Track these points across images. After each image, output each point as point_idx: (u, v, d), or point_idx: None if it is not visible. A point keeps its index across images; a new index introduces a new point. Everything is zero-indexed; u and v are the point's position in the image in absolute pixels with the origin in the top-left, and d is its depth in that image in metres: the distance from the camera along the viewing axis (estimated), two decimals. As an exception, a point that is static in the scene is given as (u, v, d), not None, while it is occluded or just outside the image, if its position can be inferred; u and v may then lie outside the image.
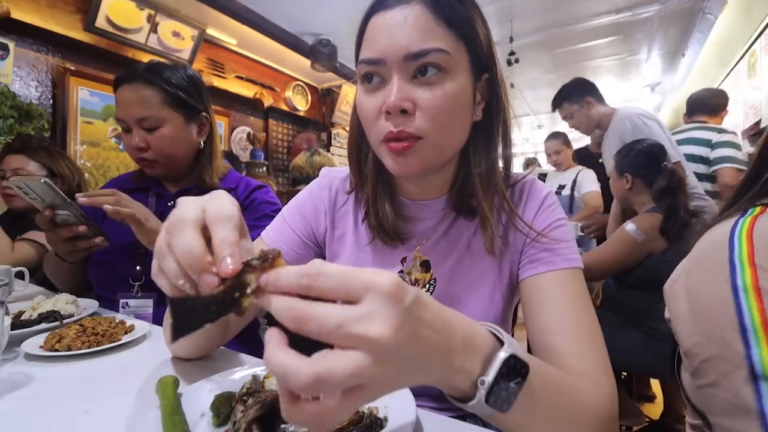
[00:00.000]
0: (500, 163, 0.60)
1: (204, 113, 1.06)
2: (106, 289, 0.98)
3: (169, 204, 1.05)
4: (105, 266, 1.01)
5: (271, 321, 0.27)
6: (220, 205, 0.32)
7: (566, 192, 2.88)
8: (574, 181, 2.87)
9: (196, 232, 0.30)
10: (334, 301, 0.26)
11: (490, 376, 0.31)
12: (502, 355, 0.32)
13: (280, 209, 0.79)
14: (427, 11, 0.49)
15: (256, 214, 1.04)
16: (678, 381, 0.55)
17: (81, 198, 0.81)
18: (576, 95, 2.22)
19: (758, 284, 0.40)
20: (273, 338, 0.26)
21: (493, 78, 0.56)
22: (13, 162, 1.53)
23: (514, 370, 0.32)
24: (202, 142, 1.07)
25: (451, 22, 0.50)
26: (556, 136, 3.04)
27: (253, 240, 0.77)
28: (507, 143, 0.59)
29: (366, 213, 0.65)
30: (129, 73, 0.98)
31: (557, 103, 2.32)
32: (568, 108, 2.27)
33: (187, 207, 0.32)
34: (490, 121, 0.57)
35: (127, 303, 0.95)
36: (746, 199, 0.50)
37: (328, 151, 4.30)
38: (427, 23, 0.49)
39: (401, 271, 0.64)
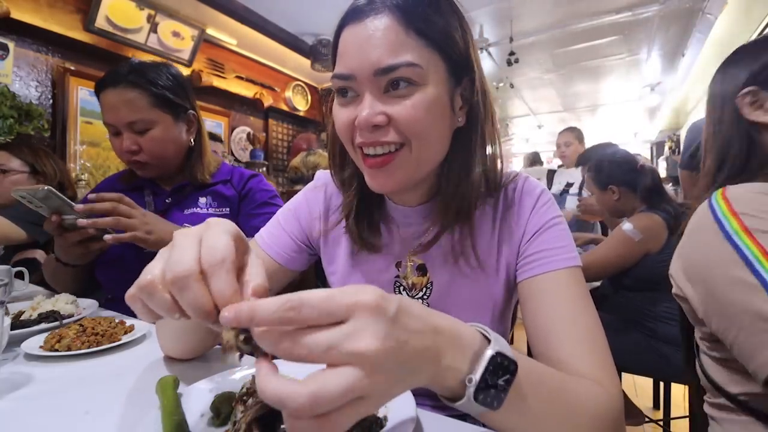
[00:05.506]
0: (484, 167, 0.57)
1: (191, 110, 1.06)
2: (117, 288, 0.97)
3: (167, 201, 1.05)
4: (115, 266, 1.01)
5: (253, 353, 0.27)
6: (216, 243, 0.31)
7: (574, 190, 2.74)
8: (584, 180, 2.81)
9: (203, 287, 0.29)
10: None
11: (477, 374, 0.31)
12: (489, 352, 0.32)
13: (275, 195, 0.78)
14: (397, 23, 0.47)
15: (253, 203, 1.07)
16: (697, 369, 0.67)
17: (80, 221, 0.81)
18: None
19: (745, 227, 0.48)
20: (263, 369, 0.26)
21: (474, 80, 0.54)
22: None
23: (502, 366, 0.32)
24: (192, 140, 1.08)
25: (422, 32, 0.48)
26: (572, 129, 3.07)
27: (250, 231, 0.77)
28: (494, 145, 0.57)
29: (350, 231, 0.63)
30: (112, 76, 0.97)
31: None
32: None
33: (187, 249, 0.31)
34: (473, 126, 0.55)
35: None
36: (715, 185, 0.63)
37: (328, 151, 4.30)
38: (397, 36, 0.47)
39: (397, 276, 0.63)
